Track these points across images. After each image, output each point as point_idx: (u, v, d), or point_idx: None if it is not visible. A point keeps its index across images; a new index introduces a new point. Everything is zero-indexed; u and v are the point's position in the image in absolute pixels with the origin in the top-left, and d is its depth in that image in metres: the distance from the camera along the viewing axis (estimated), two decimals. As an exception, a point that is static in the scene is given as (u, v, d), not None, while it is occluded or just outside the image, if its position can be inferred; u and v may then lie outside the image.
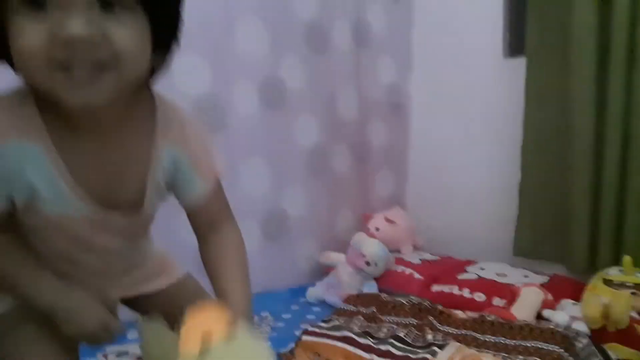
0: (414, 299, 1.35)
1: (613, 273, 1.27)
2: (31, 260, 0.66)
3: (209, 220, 0.73)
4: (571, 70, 1.46)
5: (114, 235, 0.69)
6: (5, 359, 0.65)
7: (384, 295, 1.42)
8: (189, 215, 0.74)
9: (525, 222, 1.66)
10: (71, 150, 0.59)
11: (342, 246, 1.80)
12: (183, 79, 1.34)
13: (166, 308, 0.78)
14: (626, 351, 1.08)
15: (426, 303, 1.32)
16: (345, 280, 1.60)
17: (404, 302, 1.34)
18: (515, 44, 1.82)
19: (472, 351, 1.04)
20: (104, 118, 0.59)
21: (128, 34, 0.52)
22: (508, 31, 1.83)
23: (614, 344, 1.09)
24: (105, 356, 1.15)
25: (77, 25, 0.48)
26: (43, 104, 0.57)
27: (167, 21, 0.58)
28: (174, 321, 0.68)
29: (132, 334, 1.08)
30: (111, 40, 0.50)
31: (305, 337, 1.14)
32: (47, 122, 0.57)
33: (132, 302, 0.82)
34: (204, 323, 0.59)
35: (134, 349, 1.11)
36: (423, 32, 2.06)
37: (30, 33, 0.49)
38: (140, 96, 0.63)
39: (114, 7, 0.51)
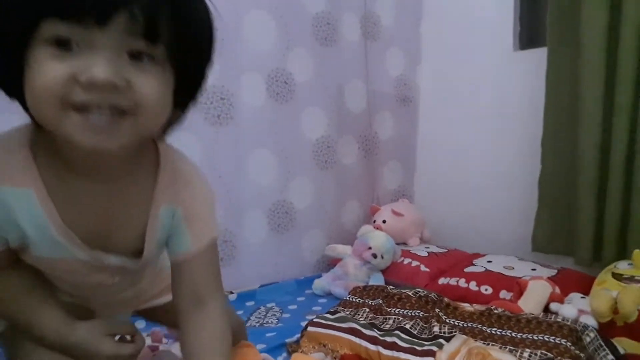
0: (421, 291, 1.35)
1: (622, 267, 1.25)
2: (34, 295, 0.65)
3: (194, 289, 0.67)
4: (581, 64, 1.45)
5: (113, 275, 0.67)
6: None
7: (390, 287, 1.42)
8: (173, 280, 0.69)
9: (544, 217, 1.64)
10: (65, 195, 0.57)
11: (349, 238, 1.80)
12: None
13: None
14: (635, 345, 1.06)
15: (433, 295, 1.31)
16: (352, 272, 1.60)
17: (411, 294, 1.33)
18: (526, 37, 1.80)
19: (478, 344, 1.04)
20: (104, 166, 0.58)
21: (152, 85, 0.50)
22: (519, 24, 1.82)
23: (622, 338, 1.08)
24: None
25: (102, 68, 0.47)
26: (42, 146, 0.56)
27: (192, 80, 0.58)
28: None
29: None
30: (134, 88, 0.49)
31: (310, 328, 1.14)
32: (42, 166, 0.56)
33: (144, 313, 0.83)
34: None
35: None
36: (432, 24, 2.05)
37: (50, 70, 0.47)
38: (146, 150, 0.62)
39: (142, 57, 0.50)
